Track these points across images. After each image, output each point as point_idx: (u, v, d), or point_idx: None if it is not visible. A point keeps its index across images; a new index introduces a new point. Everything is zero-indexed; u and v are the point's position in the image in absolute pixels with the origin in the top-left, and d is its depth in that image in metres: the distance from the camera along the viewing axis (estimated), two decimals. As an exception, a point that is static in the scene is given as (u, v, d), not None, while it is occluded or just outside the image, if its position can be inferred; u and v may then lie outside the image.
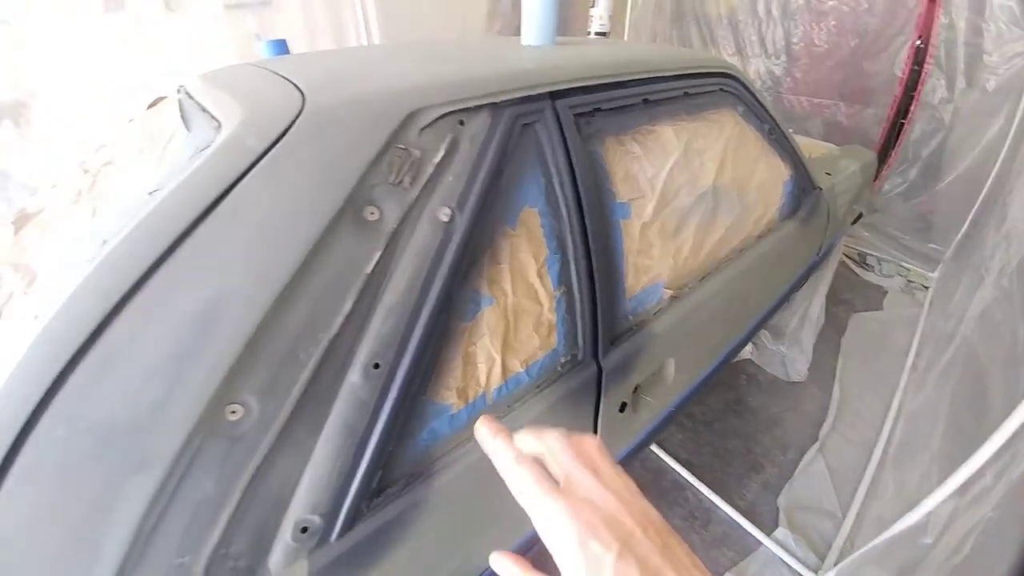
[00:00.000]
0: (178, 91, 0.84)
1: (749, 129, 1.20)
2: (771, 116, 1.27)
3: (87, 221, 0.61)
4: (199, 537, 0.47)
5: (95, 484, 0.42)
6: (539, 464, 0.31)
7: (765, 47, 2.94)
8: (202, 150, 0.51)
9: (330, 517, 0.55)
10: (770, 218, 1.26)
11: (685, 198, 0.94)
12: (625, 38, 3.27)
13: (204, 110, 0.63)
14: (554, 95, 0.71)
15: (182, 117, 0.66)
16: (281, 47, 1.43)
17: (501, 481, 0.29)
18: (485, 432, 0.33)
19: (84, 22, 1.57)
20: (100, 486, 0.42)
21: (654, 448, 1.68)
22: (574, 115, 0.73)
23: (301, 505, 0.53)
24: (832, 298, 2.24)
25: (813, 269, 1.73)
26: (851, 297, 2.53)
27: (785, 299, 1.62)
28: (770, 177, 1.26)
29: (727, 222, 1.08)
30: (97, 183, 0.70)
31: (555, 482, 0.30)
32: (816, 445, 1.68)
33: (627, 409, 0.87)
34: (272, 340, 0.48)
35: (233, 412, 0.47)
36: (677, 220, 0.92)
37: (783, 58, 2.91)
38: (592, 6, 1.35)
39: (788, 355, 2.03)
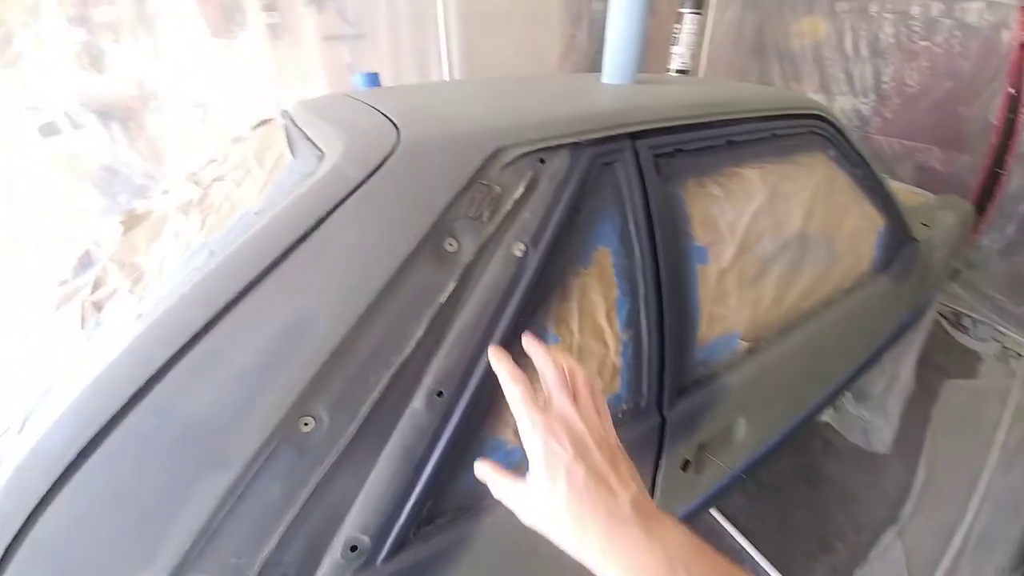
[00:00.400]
0: (282, 116, 0.93)
1: (840, 174, 1.12)
2: (864, 160, 1.17)
3: (196, 231, 0.68)
4: (258, 541, 0.49)
5: (172, 476, 0.45)
6: (529, 384, 0.40)
7: (852, 85, 2.76)
8: (306, 177, 0.56)
9: (379, 539, 0.55)
10: (861, 270, 1.15)
11: (768, 245, 0.88)
12: (701, 72, 3.20)
13: (308, 139, 0.69)
14: (634, 135, 0.71)
15: (288, 143, 0.73)
16: (374, 80, 1.55)
17: None
18: (495, 354, 0.44)
19: (195, 44, 1.79)
20: (177, 479, 0.45)
21: (712, 510, 1.55)
22: (654, 155, 0.72)
23: (353, 523, 0.53)
24: (924, 362, 1.99)
25: (906, 328, 1.56)
26: (944, 362, 2.23)
27: (873, 360, 1.46)
28: (862, 226, 1.15)
29: (813, 272, 1.00)
30: (207, 196, 0.78)
31: (539, 400, 0.39)
32: (895, 528, 1.49)
33: (690, 468, 0.80)
34: (349, 359, 0.50)
35: (306, 424, 0.49)
36: (758, 267, 0.86)
37: (872, 97, 2.71)
38: (674, 44, 1.34)
39: (872, 422, 1.82)
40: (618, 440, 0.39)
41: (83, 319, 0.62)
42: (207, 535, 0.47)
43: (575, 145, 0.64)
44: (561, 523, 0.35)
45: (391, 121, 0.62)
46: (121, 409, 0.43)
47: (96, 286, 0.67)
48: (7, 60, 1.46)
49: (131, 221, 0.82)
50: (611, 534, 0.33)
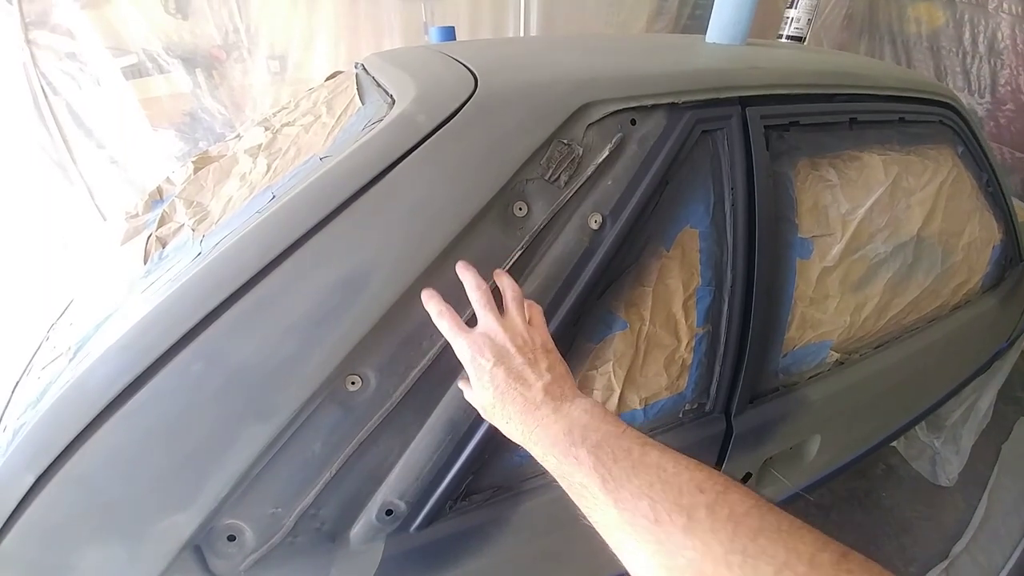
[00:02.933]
0: (356, 67, 0.90)
1: (966, 175, 0.95)
2: (991, 164, 0.99)
3: (262, 175, 0.67)
4: (296, 493, 0.49)
5: (216, 421, 0.44)
6: (455, 316, 0.45)
7: (969, 82, 2.49)
8: (374, 123, 0.52)
9: (415, 507, 0.54)
10: (971, 287, 1.00)
11: (881, 246, 0.76)
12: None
13: (379, 86, 0.65)
14: (744, 101, 0.60)
15: (358, 91, 0.69)
16: (448, 34, 1.49)
17: (583, 520, 0.36)
18: (425, 293, 0.46)
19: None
20: (220, 424, 0.44)
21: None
22: (765, 127, 0.61)
23: (391, 488, 0.52)
24: (1002, 394, 1.78)
25: (998, 356, 1.40)
26: (1023, 396, 1.98)
27: (963, 387, 1.32)
28: (980, 238, 0.99)
29: (924, 283, 0.86)
30: (276, 141, 0.77)
31: (465, 325, 0.44)
32: (944, 564, 1.40)
33: (750, 481, 0.73)
34: (402, 321, 0.47)
35: (353, 383, 0.48)
36: (865, 270, 0.75)
37: (987, 98, 2.44)
38: (789, 6, 1.16)
39: (941, 453, 1.67)
40: (547, 341, 0.44)
41: (146, 254, 0.63)
42: (246, 483, 0.46)
43: (673, 106, 0.56)
44: (492, 416, 0.43)
45: (468, 69, 0.56)
46: (170, 349, 0.42)
47: (162, 222, 0.68)
48: (91, 1, 1.51)
49: (202, 161, 0.83)
50: (526, 418, 0.40)
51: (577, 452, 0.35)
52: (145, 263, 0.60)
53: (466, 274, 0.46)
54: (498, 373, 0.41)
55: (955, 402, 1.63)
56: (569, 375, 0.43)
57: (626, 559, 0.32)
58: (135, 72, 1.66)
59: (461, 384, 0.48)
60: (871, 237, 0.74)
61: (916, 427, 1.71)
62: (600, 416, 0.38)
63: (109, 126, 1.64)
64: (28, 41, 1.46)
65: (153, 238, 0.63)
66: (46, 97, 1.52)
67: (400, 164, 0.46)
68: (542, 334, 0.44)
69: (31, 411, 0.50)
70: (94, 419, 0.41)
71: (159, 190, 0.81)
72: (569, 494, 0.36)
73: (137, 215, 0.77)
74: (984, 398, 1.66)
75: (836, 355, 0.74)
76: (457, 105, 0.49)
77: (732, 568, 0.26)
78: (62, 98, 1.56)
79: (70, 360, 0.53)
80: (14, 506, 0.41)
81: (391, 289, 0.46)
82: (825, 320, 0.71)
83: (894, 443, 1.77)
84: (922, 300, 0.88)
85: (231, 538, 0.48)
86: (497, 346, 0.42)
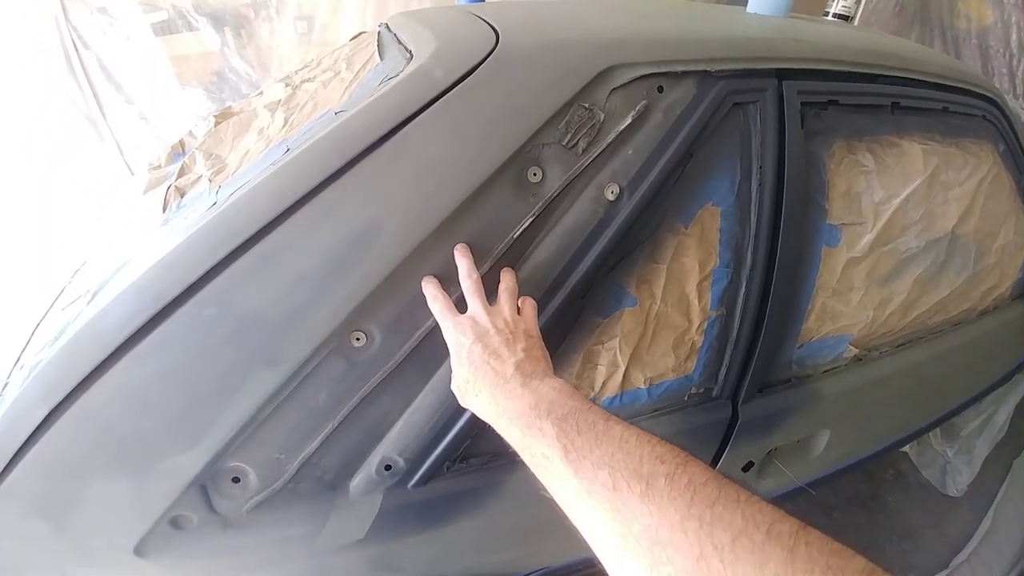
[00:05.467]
0: (380, 26, 0.88)
1: (1005, 174, 0.90)
2: (1030, 167, 0.93)
3: (279, 129, 0.67)
4: (299, 441, 0.50)
5: (226, 366, 0.45)
6: (448, 300, 0.46)
7: (1014, 84, 2.40)
8: (391, 78, 0.50)
9: (414, 464, 0.55)
10: (1002, 292, 0.96)
11: (913, 240, 0.72)
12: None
13: (399, 42, 0.63)
14: (782, 74, 0.57)
15: (378, 47, 0.68)
16: (477, -4, 1.44)
17: (543, 492, 0.36)
18: (425, 280, 0.47)
19: None
20: (230, 369, 0.45)
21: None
22: (801, 104, 0.58)
23: (391, 444, 0.53)
24: (1021, 409, 1.72)
25: (1021, 368, 1.35)
26: None
27: (982, 396, 1.28)
28: (1015, 242, 0.94)
29: (954, 283, 0.82)
30: (295, 96, 0.76)
31: (456, 309, 0.46)
32: (943, 573, 1.40)
33: (752, 470, 0.72)
34: (409, 280, 0.47)
35: (358, 339, 0.48)
36: (895, 264, 0.71)
37: None
38: (838, -20, 1.09)
39: (953, 463, 1.64)
40: (531, 329, 0.46)
41: (165, 203, 0.64)
42: (252, 427, 0.48)
43: (705, 74, 0.53)
44: (467, 392, 0.43)
45: (492, 27, 0.54)
46: (184, 292, 0.43)
47: (182, 172, 0.68)
48: None
49: (222, 116, 0.83)
50: (494, 391, 0.41)
51: (541, 424, 0.36)
52: (164, 211, 0.61)
53: (462, 261, 0.47)
54: (475, 350, 0.42)
55: (972, 412, 1.58)
56: (546, 359, 0.45)
57: (584, 529, 0.32)
58: (165, 29, 1.66)
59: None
60: (904, 230, 0.71)
61: (930, 434, 1.68)
62: (568, 393, 0.39)
63: (139, 82, 1.65)
64: (60, -6, 1.47)
65: (173, 188, 0.64)
66: (77, 51, 1.54)
67: (414, 120, 0.45)
68: (528, 323, 0.46)
69: (48, 349, 0.52)
70: (108, 356, 0.43)
71: (181, 143, 0.82)
72: (531, 467, 0.37)
73: (159, 167, 0.78)
74: (1002, 411, 1.61)
75: (855, 350, 0.71)
76: (476, 61, 0.47)
77: (688, 534, 0.26)
78: (92, 52, 1.58)
79: (88, 302, 0.55)
80: (26, 437, 0.43)
81: (399, 247, 0.46)
82: (847, 313, 0.68)
83: (906, 449, 1.73)
84: (950, 301, 0.84)
85: (235, 480, 0.50)
86: (479, 327, 0.44)
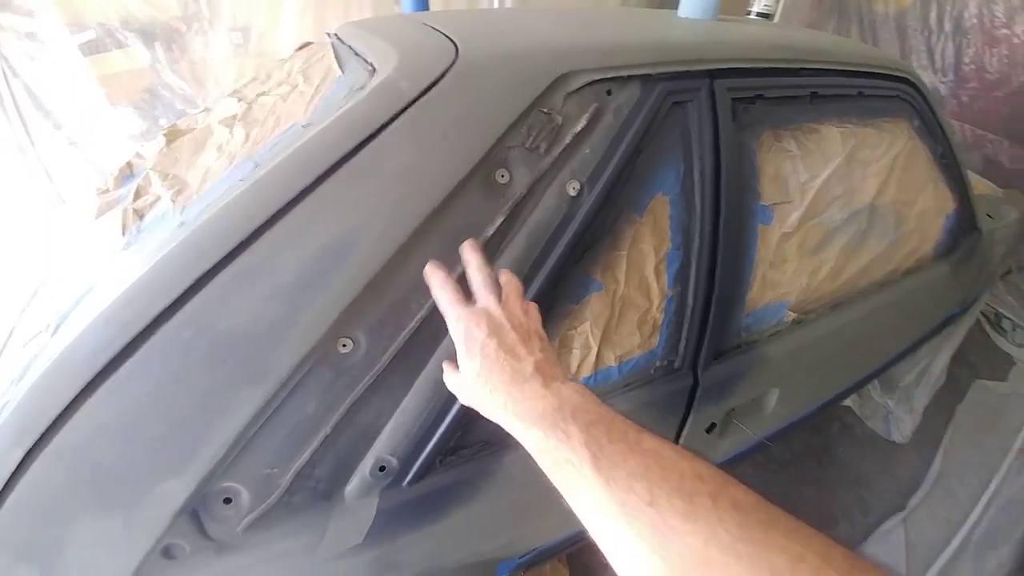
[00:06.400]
0: (328, 36, 0.88)
1: (922, 147, 1.01)
2: (947, 137, 1.06)
3: (240, 145, 0.66)
4: (290, 453, 0.50)
5: (208, 386, 0.45)
6: (458, 289, 0.45)
7: (933, 60, 2.55)
8: (356, 90, 0.52)
9: (407, 462, 0.56)
10: (923, 253, 1.07)
11: (837, 213, 0.81)
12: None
13: (357, 54, 0.65)
14: (713, 74, 0.64)
15: (336, 59, 0.69)
16: (421, 3, 1.45)
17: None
18: (428, 266, 0.47)
19: None
20: (212, 389, 0.45)
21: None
22: (732, 99, 0.65)
23: (383, 445, 0.54)
24: (957, 358, 1.90)
25: (951, 321, 1.50)
26: (977, 361, 2.14)
27: (914, 349, 1.41)
28: (934, 207, 1.06)
29: (876, 249, 0.93)
30: (251, 112, 0.76)
31: (466, 299, 0.45)
32: (900, 515, 1.50)
33: (715, 431, 0.79)
34: (390, 285, 0.49)
35: (344, 345, 0.49)
36: (822, 236, 0.80)
37: (951, 76, 2.50)
38: (758, -18, 1.20)
39: (895, 412, 1.78)
40: (540, 330, 0.45)
41: (124, 226, 0.62)
42: (240, 445, 0.47)
43: (647, 78, 0.58)
44: (476, 387, 0.41)
45: (448, 38, 0.57)
46: (159, 316, 0.42)
47: (138, 194, 0.67)
48: None
49: (174, 134, 0.81)
50: (511, 389, 0.39)
51: (567, 427, 0.34)
52: (123, 235, 0.60)
53: (472, 256, 0.47)
54: (490, 344, 0.41)
55: (909, 364, 1.71)
56: (559, 363, 0.44)
57: (608, 542, 0.29)
58: (93, 48, 1.56)
59: (445, 365, 0.48)
60: (827, 205, 0.80)
61: (870, 387, 1.83)
62: (592, 400, 0.37)
63: (67, 106, 1.55)
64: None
65: (130, 211, 0.62)
66: (6, 80, 1.43)
67: (385, 130, 0.47)
68: (536, 323, 0.45)
69: (14, 388, 0.49)
70: (84, 388, 0.41)
71: (129, 165, 0.79)
72: (548, 473, 0.35)
73: (108, 190, 0.75)
74: (938, 361, 1.76)
75: (793, 315, 0.80)
76: (439, 72, 0.50)
77: (741, 557, 0.24)
78: (21, 80, 1.47)
79: (52, 335, 0.53)
80: (3, 483, 0.41)
81: (379, 253, 0.47)
82: (784, 282, 0.77)
83: (849, 403, 1.87)
84: (875, 265, 0.94)
85: (227, 501, 0.49)
86: (494, 321, 0.42)
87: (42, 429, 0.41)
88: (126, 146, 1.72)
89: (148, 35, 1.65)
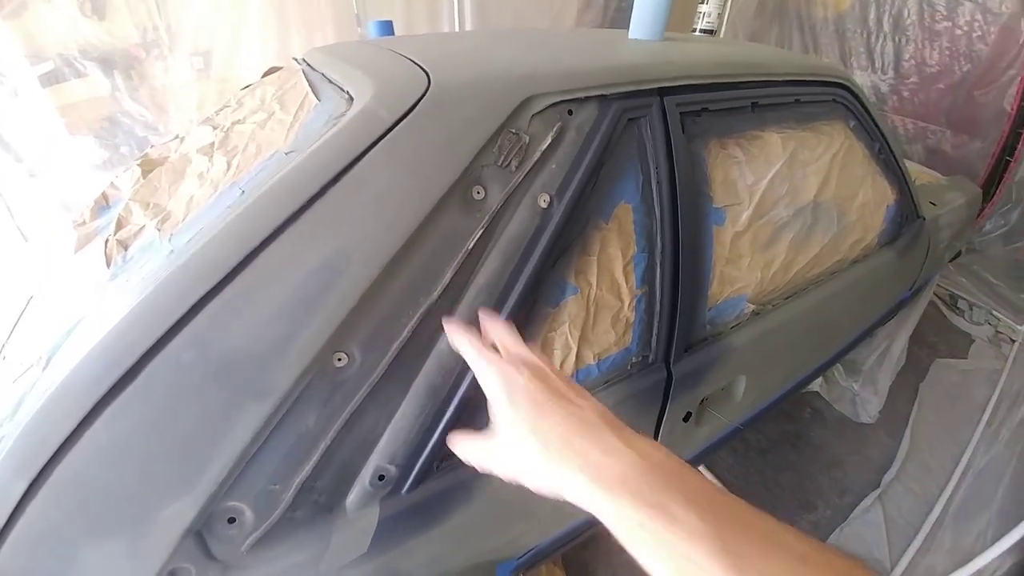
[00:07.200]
0: (298, 63, 0.91)
1: (859, 145, 1.12)
2: (883, 134, 1.17)
3: (223, 172, 0.68)
4: (293, 468, 0.52)
5: (211, 407, 0.46)
6: (478, 336, 0.44)
7: (872, 60, 2.71)
8: (336, 118, 0.56)
9: (405, 469, 0.58)
10: (868, 243, 1.17)
11: (783, 211, 0.89)
12: (722, 35, 3.12)
13: (331, 82, 0.68)
14: (663, 91, 0.70)
15: (311, 87, 0.72)
16: (386, 28, 1.50)
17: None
18: (446, 322, 0.50)
19: None
20: (215, 409, 0.46)
21: (702, 468, 1.62)
22: (680, 113, 0.71)
23: (381, 454, 0.56)
24: (916, 339, 2.04)
25: (903, 304, 1.60)
26: (936, 341, 2.29)
27: (869, 333, 1.50)
28: (874, 199, 1.16)
29: (822, 241, 1.02)
30: (229, 139, 0.78)
31: (492, 349, 0.41)
32: (876, 492, 1.57)
33: (691, 420, 0.85)
34: (381, 299, 0.52)
35: (339, 359, 0.51)
36: (771, 233, 0.88)
37: (890, 74, 2.66)
38: (702, 2, 1.30)
39: (861, 394, 1.88)
40: (567, 377, 0.40)
41: (108, 258, 0.63)
42: (244, 463, 0.49)
43: (603, 98, 0.64)
44: (522, 443, 0.33)
45: (419, 66, 0.61)
46: (159, 340, 0.43)
47: (120, 225, 0.67)
48: (11, 11, 1.39)
49: (149, 164, 0.82)
50: (574, 438, 0.31)
51: (669, 505, 0.27)
52: (108, 266, 0.61)
53: (488, 314, 0.48)
54: (535, 387, 0.35)
55: (869, 348, 1.83)
56: None
57: None
58: (52, 79, 1.53)
59: (455, 436, 0.45)
60: (774, 204, 0.87)
61: (835, 372, 1.93)
62: (677, 459, 0.30)
63: (27, 138, 1.51)
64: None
65: (113, 242, 0.63)
66: None
67: (367, 155, 0.51)
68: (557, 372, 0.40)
69: (8, 424, 0.49)
70: (87, 415, 0.42)
71: (104, 196, 0.79)
72: (626, 544, 0.28)
73: (85, 222, 0.75)
74: (896, 343, 1.86)
75: (752, 307, 0.87)
76: (414, 100, 0.54)
77: None
78: None
79: (43, 369, 0.53)
80: (7, 516, 0.41)
81: (368, 271, 0.50)
82: (740, 277, 0.83)
83: (817, 388, 1.96)
84: (822, 256, 1.02)
85: (231, 520, 0.50)
86: (533, 364, 0.38)
87: (46, 458, 0.42)
88: (88, 176, 1.68)
89: (107, 63, 1.63)
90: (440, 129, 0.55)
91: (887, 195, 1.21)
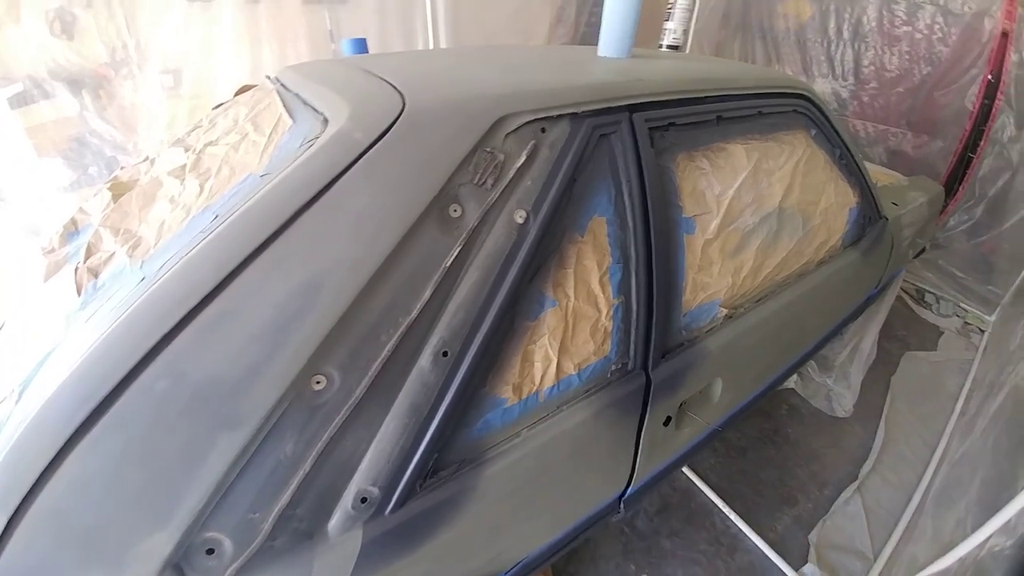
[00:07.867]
0: (271, 82, 0.91)
1: (820, 152, 1.17)
2: (843, 141, 1.23)
3: (196, 196, 0.67)
4: (272, 496, 0.51)
5: (187, 436, 0.45)
6: None
7: (833, 68, 2.80)
8: (311, 141, 0.56)
9: (388, 490, 0.58)
10: (832, 245, 1.22)
11: (750, 218, 0.93)
12: (688, 49, 3.22)
13: (306, 103, 0.69)
14: (632, 108, 0.73)
15: (285, 108, 0.72)
16: (361, 46, 1.51)
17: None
18: None
19: (168, 7, 1.67)
20: (191, 438, 0.46)
21: (684, 469, 1.65)
22: (649, 128, 0.74)
23: (363, 476, 0.56)
24: (886, 334, 2.12)
25: (871, 301, 1.66)
26: (906, 334, 2.38)
27: (839, 330, 1.55)
28: (836, 203, 1.21)
29: (789, 245, 1.06)
30: (201, 162, 0.77)
31: None
32: (855, 484, 1.61)
33: (671, 423, 0.86)
34: (359, 320, 0.52)
35: (318, 382, 0.51)
36: (740, 239, 0.91)
37: (851, 80, 2.76)
38: (666, 19, 1.36)
39: (834, 389, 1.94)
40: None
41: (79, 286, 0.62)
42: (221, 493, 0.48)
43: (575, 115, 0.66)
44: None
45: (394, 87, 0.62)
46: (132, 371, 0.43)
47: (89, 252, 0.66)
48: None
49: (119, 188, 0.80)
50: None
51: None
52: (79, 295, 0.59)
53: None
54: None
55: (839, 344, 1.88)
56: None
57: None
58: (21, 101, 1.50)
59: None
60: (741, 212, 0.91)
61: (809, 368, 1.99)
62: None
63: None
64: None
65: (83, 269, 0.62)
66: None
67: (343, 177, 0.51)
68: None
69: None
70: (62, 448, 0.42)
71: (74, 221, 0.78)
72: None
73: (54, 249, 0.73)
74: (866, 339, 1.92)
75: (725, 311, 0.90)
76: (389, 122, 0.55)
77: None
78: None
79: (16, 402, 0.52)
80: None
81: (346, 292, 0.50)
82: (712, 283, 0.86)
83: (792, 385, 2.02)
84: (790, 259, 1.06)
85: (210, 551, 0.49)
86: None
87: (21, 496, 0.41)
88: (56, 199, 1.63)
89: (76, 83, 1.59)
90: (416, 150, 0.56)
91: (849, 198, 1.26)
